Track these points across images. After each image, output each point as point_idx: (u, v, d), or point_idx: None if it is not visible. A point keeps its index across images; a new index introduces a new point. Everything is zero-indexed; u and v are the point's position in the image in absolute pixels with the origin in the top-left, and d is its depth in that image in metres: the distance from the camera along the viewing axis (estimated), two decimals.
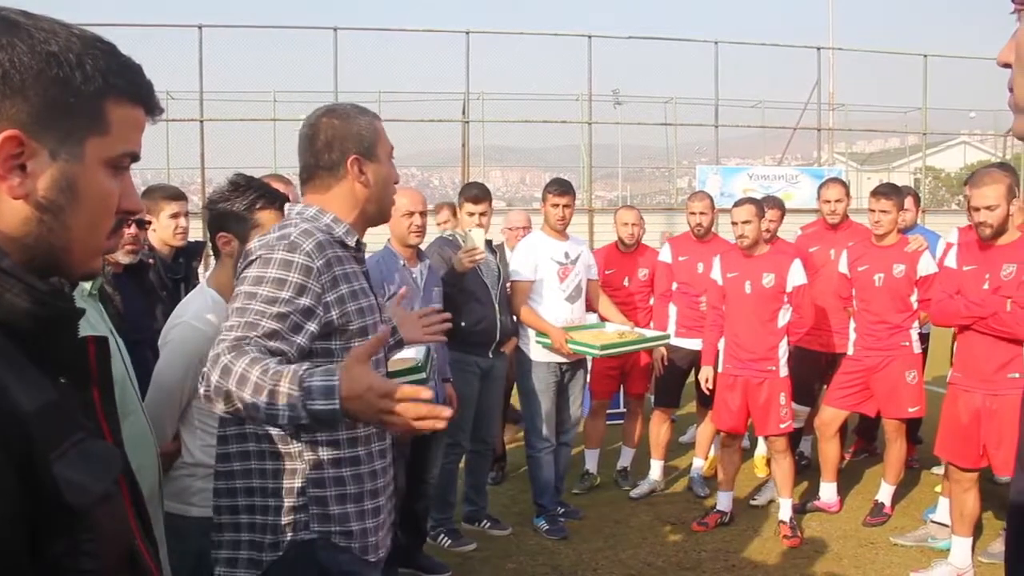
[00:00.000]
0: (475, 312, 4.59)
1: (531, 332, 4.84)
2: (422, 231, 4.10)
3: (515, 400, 5.44)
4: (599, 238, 14.65)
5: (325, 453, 1.90)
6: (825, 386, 5.43)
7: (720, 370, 4.96)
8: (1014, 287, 3.88)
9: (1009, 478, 4.31)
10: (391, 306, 2.41)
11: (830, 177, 9.02)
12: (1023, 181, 7.20)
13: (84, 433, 0.88)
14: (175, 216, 3.93)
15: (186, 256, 4.05)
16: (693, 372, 5.40)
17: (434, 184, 25.87)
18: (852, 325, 5.09)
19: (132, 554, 0.97)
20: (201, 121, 15.47)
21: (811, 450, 5.90)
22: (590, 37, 16.71)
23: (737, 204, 4.85)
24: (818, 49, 18.71)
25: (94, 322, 2.06)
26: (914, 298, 4.87)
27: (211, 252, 2.65)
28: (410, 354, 2.94)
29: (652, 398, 5.83)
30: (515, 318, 4.93)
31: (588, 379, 5.48)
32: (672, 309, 5.60)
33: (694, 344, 5.35)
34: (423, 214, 4.08)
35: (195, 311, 2.48)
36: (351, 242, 1.98)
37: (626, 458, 5.82)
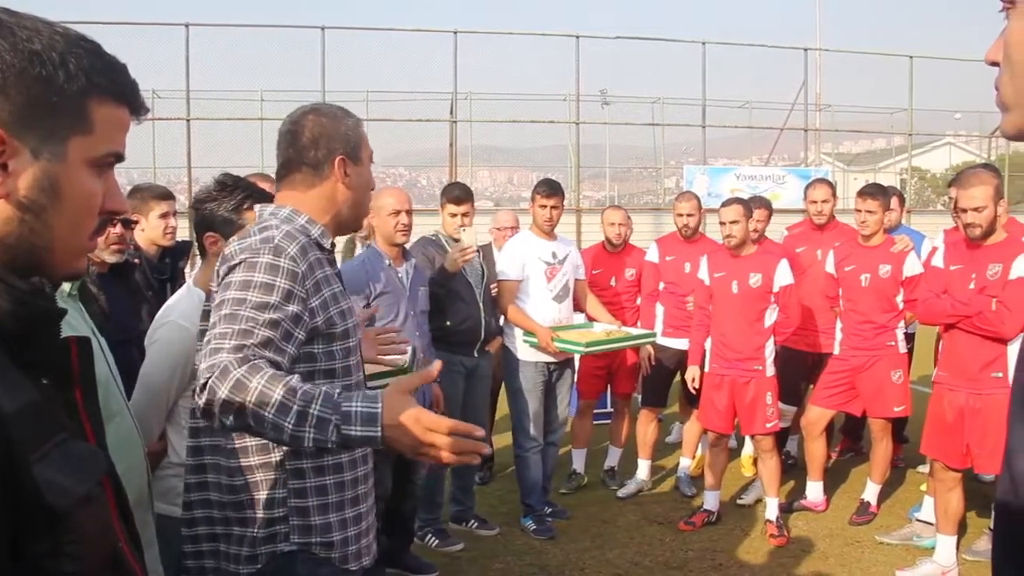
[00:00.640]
0: (460, 312, 4.60)
1: (518, 331, 4.84)
2: (408, 230, 4.10)
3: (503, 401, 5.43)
4: (587, 238, 14.65)
5: (308, 462, 1.85)
6: (811, 386, 5.45)
7: (707, 370, 4.97)
8: (999, 287, 3.91)
9: (992, 476, 4.36)
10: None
11: (817, 177, 9.07)
12: (1007, 182, 7.26)
13: (66, 434, 0.87)
14: (164, 216, 3.91)
15: (172, 256, 4.04)
16: (680, 372, 5.41)
17: (422, 184, 25.80)
18: (838, 325, 5.11)
19: (116, 556, 0.96)
20: (188, 120, 15.38)
21: (797, 449, 5.92)
22: (578, 37, 16.71)
23: (724, 204, 4.86)
24: (805, 50, 18.79)
25: (75, 323, 2.03)
26: (900, 298, 4.89)
27: (197, 251, 2.64)
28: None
29: (639, 398, 5.84)
30: (500, 318, 4.94)
31: (576, 379, 5.50)
32: (659, 309, 5.61)
33: (681, 344, 5.36)
34: (409, 212, 4.08)
35: (182, 311, 2.47)
36: (326, 244, 1.94)
37: (613, 458, 5.83)
